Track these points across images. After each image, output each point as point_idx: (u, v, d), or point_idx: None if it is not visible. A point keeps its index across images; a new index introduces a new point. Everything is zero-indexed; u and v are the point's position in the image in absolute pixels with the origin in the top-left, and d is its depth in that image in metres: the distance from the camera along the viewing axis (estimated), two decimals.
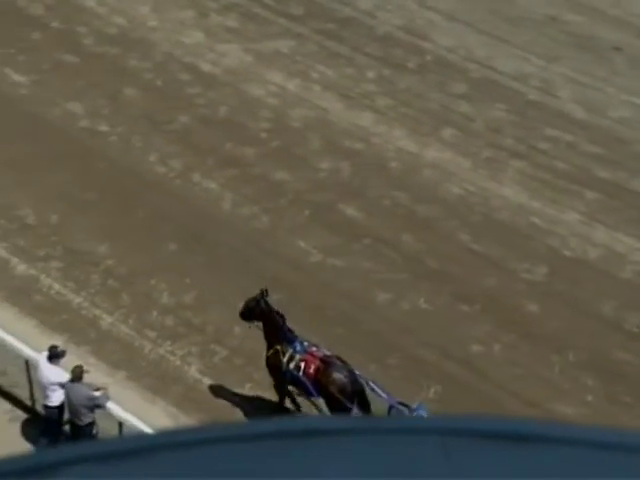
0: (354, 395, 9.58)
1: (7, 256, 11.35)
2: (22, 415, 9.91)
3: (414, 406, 9.06)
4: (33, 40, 14.19)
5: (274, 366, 9.91)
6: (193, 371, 10.35)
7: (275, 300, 10.80)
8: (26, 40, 14.16)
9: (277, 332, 9.85)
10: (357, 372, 9.51)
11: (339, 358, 9.76)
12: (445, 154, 12.49)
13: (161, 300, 10.99)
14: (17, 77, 13.63)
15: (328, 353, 9.70)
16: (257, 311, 9.90)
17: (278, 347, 9.85)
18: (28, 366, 9.71)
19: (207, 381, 10.26)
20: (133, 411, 9.56)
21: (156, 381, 10.21)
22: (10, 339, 9.93)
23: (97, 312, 10.82)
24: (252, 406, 10.08)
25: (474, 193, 11.99)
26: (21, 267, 11.28)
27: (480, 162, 12.43)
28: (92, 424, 9.41)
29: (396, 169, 12.29)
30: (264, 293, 9.83)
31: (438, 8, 15.01)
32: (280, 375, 9.86)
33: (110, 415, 9.43)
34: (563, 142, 12.65)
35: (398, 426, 2.21)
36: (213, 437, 2.14)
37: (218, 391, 10.17)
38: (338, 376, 9.60)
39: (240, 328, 10.58)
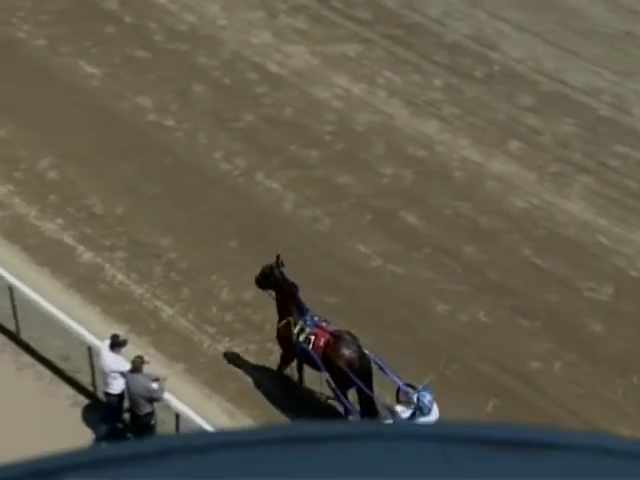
0: (361, 371, 9.61)
1: (74, 244, 11.66)
2: (84, 400, 10.18)
3: (419, 387, 9.07)
4: (107, 34, 14.52)
5: (285, 337, 9.97)
6: (249, 369, 10.51)
7: (332, 302, 10.96)
8: (100, 34, 14.50)
9: (289, 303, 9.96)
10: (367, 351, 9.54)
11: (349, 333, 9.82)
12: (511, 166, 12.44)
13: (221, 296, 11.17)
14: (90, 69, 13.97)
15: (338, 328, 9.76)
16: (271, 280, 10.06)
17: (290, 319, 9.95)
18: (91, 353, 9.97)
19: (263, 379, 10.42)
20: (190, 404, 9.75)
21: (213, 376, 10.39)
22: (74, 325, 10.21)
23: (158, 304, 11.05)
24: (306, 404, 10.20)
25: (539, 207, 11.92)
26: (87, 255, 11.57)
27: (546, 176, 12.35)
28: (151, 414, 9.62)
29: (460, 179, 12.29)
30: (279, 262, 9.94)
31: (507, 18, 14.95)
32: (290, 347, 9.93)
33: (168, 406, 9.64)
34: (633, 160, 12.51)
35: (397, 432, 2.20)
36: (214, 443, 2.14)
37: (274, 389, 10.32)
38: (347, 351, 9.64)
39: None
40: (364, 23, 14.88)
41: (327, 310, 10.59)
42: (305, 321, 9.84)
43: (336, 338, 9.72)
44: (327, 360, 9.67)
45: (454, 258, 11.27)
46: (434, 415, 9.11)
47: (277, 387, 10.33)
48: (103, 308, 10.93)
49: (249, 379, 10.38)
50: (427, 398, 9.07)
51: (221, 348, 10.66)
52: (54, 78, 13.72)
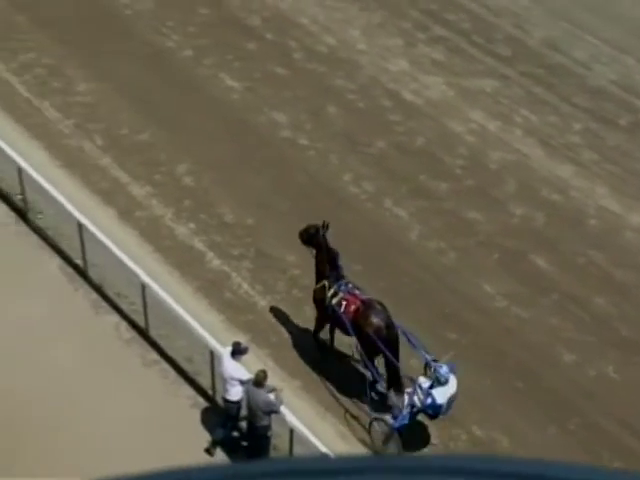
0: (387, 340, 10.01)
1: (204, 250, 12.10)
2: (203, 403, 10.51)
3: (444, 364, 9.55)
4: (248, 49, 15.06)
5: (319, 299, 10.55)
6: (364, 393, 10.62)
7: (453, 339, 10.98)
8: (242, 49, 15.05)
9: (327, 267, 10.49)
10: (397, 324, 9.93)
11: (380, 303, 10.23)
12: None
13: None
14: (231, 82, 14.52)
15: (370, 297, 10.20)
16: (314, 240, 10.71)
17: (325, 282, 10.49)
18: (212, 357, 10.30)
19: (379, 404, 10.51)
20: (304, 421, 9.94)
21: (329, 397, 10.57)
22: (199, 329, 10.59)
23: (280, 318, 11.33)
24: (418, 438, 10.23)
25: None
26: (216, 262, 11.99)
27: None
28: (268, 427, 9.84)
29: (595, 227, 12.13)
30: (325, 226, 10.57)
31: None
32: (323, 309, 10.41)
33: (283, 421, 9.85)
34: None
35: (418, 465, 2.20)
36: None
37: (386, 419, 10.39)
38: (375, 319, 10.07)
39: (417, 361, 10.75)
40: (504, 59, 14.92)
41: (447, 346, 10.64)
42: (339, 286, 10.39)
43: (366, 306, 10.19)
44: (356, 326, 10.15)
45: (583, 308, 11.11)
46: (451, 387, 9.72)
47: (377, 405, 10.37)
48: (227, 316, 11.29)
49: (364, 405, 10.50)
50: (443, 369, 9.69)
51: (339, 370, 10.84)
52: (197, 88, 14.32)
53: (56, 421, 10.15)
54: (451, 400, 9.82)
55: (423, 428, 10.11)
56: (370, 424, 10.17)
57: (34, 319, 11.01)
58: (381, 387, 10.28)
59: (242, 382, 9.94)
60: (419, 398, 9.79)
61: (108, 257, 11.28)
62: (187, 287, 11.58)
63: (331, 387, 10.51)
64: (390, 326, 10.07)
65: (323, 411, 10.43)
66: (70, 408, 10.23)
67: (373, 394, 10.20)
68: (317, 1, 15.90)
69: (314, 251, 10.55)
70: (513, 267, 11.78)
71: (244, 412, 10.03)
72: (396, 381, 10.08)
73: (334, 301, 10.32)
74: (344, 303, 10.28)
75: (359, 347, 10.16)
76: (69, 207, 11.65)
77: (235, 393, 10.04)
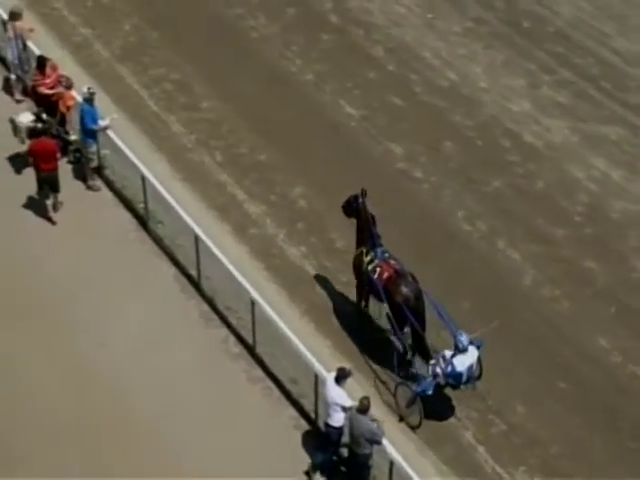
0: (415, 310, 10.75)
1: (314, 273, 12.47)
2: (305, 425, 10.77)
3: (464, 333, 10.23)
4: (369, 78, 15.49)
5: (356, 265, 11.33)
6: (469, 436, 10.67)
7: (562, 388, 10.92)
8: (363, 77, 15.49)
9: (365, 233, 11.26)
10: (429, 295, 10.64)
11: (412, 276, 10.98)
12: None
13: (444, 354, 11.43)
14: (349, 109, 14.94)
15: (404, 268, 10.91)
16: (354, 207, 11.50)
17: (363, 249, 11.26)
18: (316, 381, 10.56)
19: (480, 450, 10.54)
20: (405, 456, 10.05)
21: (431, 435, 10.66)
22: (305, 351, 10.87)
23: (384, 349, 11.47)
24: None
25: None
26: (311, 269, 12.33)
27: None
28: (369, 456, 10.01)
29: None
30: (364, 193, 11.36)
31: None
32: (360, 275, 11.16)
33: (384, 452, 9.99)
34: None
35: None
36: None
37: (488, 461, 10.40)
38: (405, 289, 10.83)
39: (523, 406, 10.75)
40: (632, 108, 14.85)
41: (557, 396, 10.60)
42: (376, 253, 11.14)
43: (398, 275, 10.96)
44: (387, 293, 10.90)
45: None
46: (471, 356, 10.47)
47: (496, 461, 10.32)
48: (333, 341, 11.56)
49: (466, 446, 10.53)
50: (463, 338, 10.43)
51: (440, 407, 10.92)
52: (316, 113, 14.81)
53: (161, 425, 10.57)
54: (471, 371, 10.48)
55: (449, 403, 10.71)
56: (396, 389, 10.85)
57: (147, 323, 11.55)
58: (408, 354, 11.01)
59: (345, 408, 10.16)
60: (441, 367, 10.50)
61: (220, 271, 11.75)
62: (295, 309, 11.92)
63: (434, 425, 10.72)
64: (419, 297, 10.80)
65: (424, 448, 10.52)
66: (175, 414, 10.65)
67: (400, 361, 10.92)
68: (441, 36, 16.23)
69: (355, 222, 11.32)
70: (631, 323, 11.64)
71: (345, 439, 10.22)
72: (422, 350, 10.81)
73: (370, 267, 11.06)
74: (378, 270, 10.98)
75: (389, 314, 10.89)
76: (187, 219, 12.20)
77: (338, 419, 10.26)
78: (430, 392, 10.52)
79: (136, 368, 11.09)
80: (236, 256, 12.23)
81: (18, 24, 14.05)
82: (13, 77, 14.33)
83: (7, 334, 11.43)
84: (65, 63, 14.49)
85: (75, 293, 11.90)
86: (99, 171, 13.51)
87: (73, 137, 13.46)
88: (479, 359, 10.64)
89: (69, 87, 13.43)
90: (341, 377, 10.24)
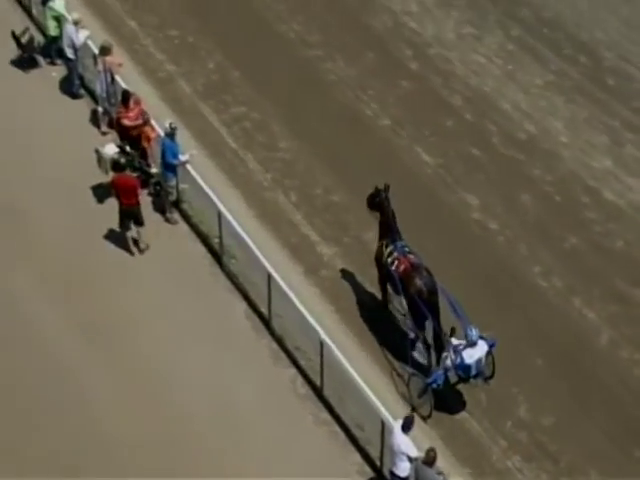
0: (428, 304, 11.52)
1: (383, 318, 12.66)
2: (369, 472, 10.90)
3: (474, 328, 11.03)
4: (446, 126, 15.82)
5: (378, 257, 12.28)
6: None
7: (637, 457, 10.81)
8: (440, 125, 15.83)
9: (386, 227, 12.24)
10: (445, 290, 11.40)
11: (427, 270, 11.81)
12: None
13: (518, 412, 11.50)
14: (425, 157, 15.26)
15: (421, 262, 11.84)
16: (377, 201, 12.41)
17: (384, 241, 12.25)
18: (383, 428, 10.70)
19: None
20: None
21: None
22: (372, 398, 11.03)
23: (454, 404, 11.58)
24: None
25: None
26: (394, 336, 12.52)
27: None
28: None
29: None
30: (387, 188, 12.29)
31: None
32: (381, 266, 12.12)
33: None
34: None
35: None
36: None
37: None
38: (419, 282, 11.69)
39: (597, 472, 10.63)
40: None
41: (633, 464, 10.49)
42: (395, 246, 12.14)
43: (414, 268, 11.87)
44: (402, 285, 11.77)
45: None
46: (479, 350, 11.25)
47: None
48: (402, 389, 11.70)
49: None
50: (473, 332, 11.24)
51: (510, 465, 10.93)
52: (391, 157, 15.16)
53: (225, 460, 10.82)
54: (480, 365, 11.26)
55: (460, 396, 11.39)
56: (409, 379, 11.64)
57: (216, 357, 11.88)
58: (421, 345, 11.82)
59: (411, 458, 10.25)
60: (451, 358, 11.23)
61: (291, 310, 12.06)
62: (363, 352, 12.13)
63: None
64: (432, 292, 11.60)
65: None
66: (238, 451, 10.89)
67: (414, 352, 11.75)
68: (522, 88, 16.51)
69: (378, 216, 12.29)
70: None
71: None
72: (436, 342, 11.59)
73: (389, 259, 12.06)
74: (396, 262, 11.96)
75: (405, 305, 11.76)
76: (260, 257, 12.59)
77: (403, 469, 10.36)
78: (440, 383, 11.22)
79: (203, 401, 11.40)
80: (307, 296, 12.53)
81: (108, 59, 14.82)
82: (100, 110, 15.08)
83: (75, 362, 11.88)
84: (149, 98, 15.19)
85: (147, 323, 12.34)
86: (177, 204, 14.05)
87: (154, 170, 14.06)
88: (492, 358, 11.38)
89: (150, 121, 14.07)
90: (408, 425, 10.36)
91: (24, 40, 15.77)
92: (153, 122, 14.14)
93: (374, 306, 12.84)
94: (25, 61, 15.81)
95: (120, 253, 13.29)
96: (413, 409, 11.36)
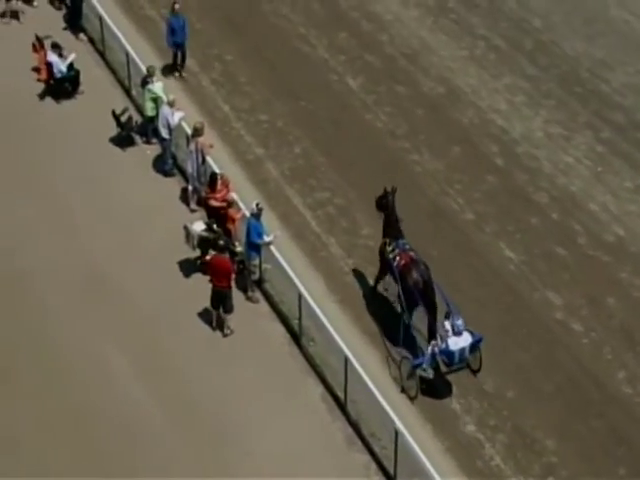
0: (423, 295, 13.65)
1: (461, 412, 13.11)
2: None
3: (461, 318, 13.13)
4: (531, 224, 16.42)
5: (381, 252, 14.50)
6: None
7: None
8: (524, 222, 16.45)
9: (390, 227, 14.48)
10: (438, 285, 13.57)
11: (425, 265, 13.92)
12: None
13: None
14: (509, 253, 15.85)
15: (419, 258, 13.97)
16: (383, 203, 14.70)
17: (387, 239, 14.40)
18: None
19: None
20: None
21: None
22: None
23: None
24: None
25: None
26: (470, 428, 12.93)
27: None
28: None
29: None
30: (394, 190, 14.56)
31: None
32: (383, 260, 14.30)
33: None
34: None
35: None
36: None
37: None
38: (415, 275, 13.81)
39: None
40: None
41: None
42: (397, 244, 14.27)
43: (412, 263, 14.00)
44: (401, 276, 13.94)
45: None
46: (463, 339, 13.15)
47: None
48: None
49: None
50: (460, 321, 13.13)
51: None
52: (474, 253, 15.80)
53: None
54: (463, 354, 13.13)
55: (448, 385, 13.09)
56: (400, 362, 13.56)
57: (292, 438, 12.49)
58: (413, 332, 13.82)
59: None
60: (438, 344, 13.15)
61: (367, 396, 12.61)
62: (438, 444, 12.55)
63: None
64: (427, 284, 13.72)
65: None
66: None
67: (405, 337, 13.70)
68: (611, 190, 17.06)
69: (383, 216, 14.57)
70: None
71: None
72: (429, 331, 13.57)
73: (391, 255, 14.22)
74: (397, 258, 14.09)
75: (401, 295, 13.86)
76: (339, 341, 13.28)
77: None
78: (425, 366, 13.14)
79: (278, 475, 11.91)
80: (384, 384, 13.05)
81: (200, 140, 16.06)
82: (190, 188, 16.27)
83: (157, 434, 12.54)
84: (237, 179, 16.33)
85: (224, 401, 13.04)
86: (259, 284, 14.94)
87: (238, 249, 15.00)
88: (480, 353, 13.33)
89: (235, 204, 15.09)
90: None
91: (123, 119, 17.23)
92: (239, 204, 15.16)
93: (450, 400, 13.26)
94: (123, 139, 17.23)
95: (204, 329, 14.11)
96: (402, 390, 13.24)
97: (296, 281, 14.13)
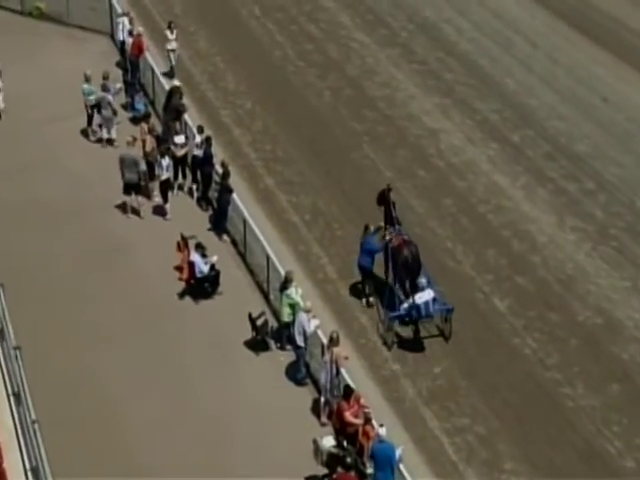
0: (409, 269, 19.59)
1: None
2: None
3: (425, 278, 19.59)
4: None
5: (382, 236, 20.61)
6: None
7: None
8: None
9: (388, 217, 20.68)
10: (423, 268, 19.80)
11: (414, 245, 19.93)
12: None
13: None
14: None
15: (412, 240, 20.24)
16: (381, 197, 20.85)
17: (384, 225, 20.65)
18: None
19: None
20: None
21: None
22: None
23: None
24: None
25: None
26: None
27: None
28: None
29: None
30: (389, 187, 20.77)
31: None
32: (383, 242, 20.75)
33: None
34: None
35: None
36: None
37: None
38: (405, 252, 19.74)
39: None
40: None
41: None
42: (394, 229, 20.45)
43: (405, 243, 19.90)
44: (394, 254, 19.97)
45: None
46: (426, 294, 19.14)
47: None
48: None
49: None
50: (423, 280, 19.45)
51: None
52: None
53: None
54: (428, 308, 19.03)
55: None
56: (383, 317, 19.75)
57: None
58: (398, 295, 19.79)
59: None
60: (407, 301, 19.40)
61: None
62: None
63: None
64: (415, 260, 19.62)
65: None
66: None
67: (389, 301, 19.75)
68: None
69: (382, 209, 20.78)
70: None
71: None
72: (406, 292, 19.65)
73: (387, 237, 20.30)
74: (393, 239, 20.12)
75: (391, 268, 20.07)
76: None
77: None
78: (396, 317, 19.20)
79: None
80: None
81: (336, 350, 17.60)
82: (322, 400, 17.73)
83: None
84: (371, 395, 17.69)
85: None
86: None
87: (369, 471, 16.04)
88: (450, 321, 19.23)
89: (371, 420, 16.21)
90: None
91: (259, 323, 19.19)
92: (374, 422, 16.30)
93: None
94: (257, 343, 19.12)
95: None
96: (384, 342, 19.26)
97: None
